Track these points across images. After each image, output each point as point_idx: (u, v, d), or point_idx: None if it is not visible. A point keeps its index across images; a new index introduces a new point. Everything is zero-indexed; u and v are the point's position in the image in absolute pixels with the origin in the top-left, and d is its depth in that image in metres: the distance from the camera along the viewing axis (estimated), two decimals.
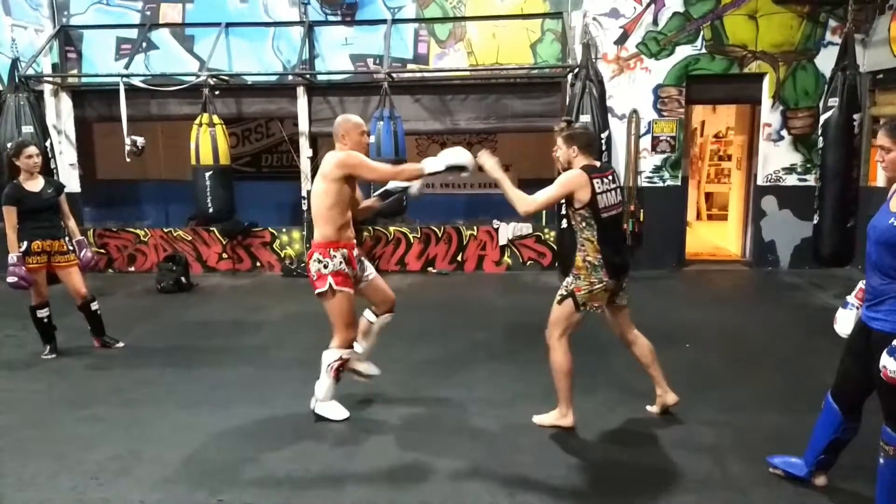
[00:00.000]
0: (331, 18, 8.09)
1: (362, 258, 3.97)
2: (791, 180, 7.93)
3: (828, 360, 4.80)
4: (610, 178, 3.47)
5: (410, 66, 8.09)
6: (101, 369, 4.90)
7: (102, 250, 8.41)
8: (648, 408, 3.85)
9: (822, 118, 6.58)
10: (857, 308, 2.81)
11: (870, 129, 7.52)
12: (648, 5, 7.77)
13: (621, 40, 7.86)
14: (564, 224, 7.24)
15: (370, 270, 4.00)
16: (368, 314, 4.12)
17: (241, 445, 3.63)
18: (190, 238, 8.45)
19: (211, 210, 7.49)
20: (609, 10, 7.82)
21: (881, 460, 2.64)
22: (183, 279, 7.51)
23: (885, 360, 2.44)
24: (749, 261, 8.31)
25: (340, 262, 3.71)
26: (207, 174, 7.37)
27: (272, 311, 6.53)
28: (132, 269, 8.51)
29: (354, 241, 3.88)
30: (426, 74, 8.11)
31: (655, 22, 7.80)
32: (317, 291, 3.77)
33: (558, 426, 3.65)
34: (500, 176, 3.41)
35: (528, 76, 8.07)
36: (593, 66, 7.37)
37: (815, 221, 6.72)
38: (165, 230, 8.55)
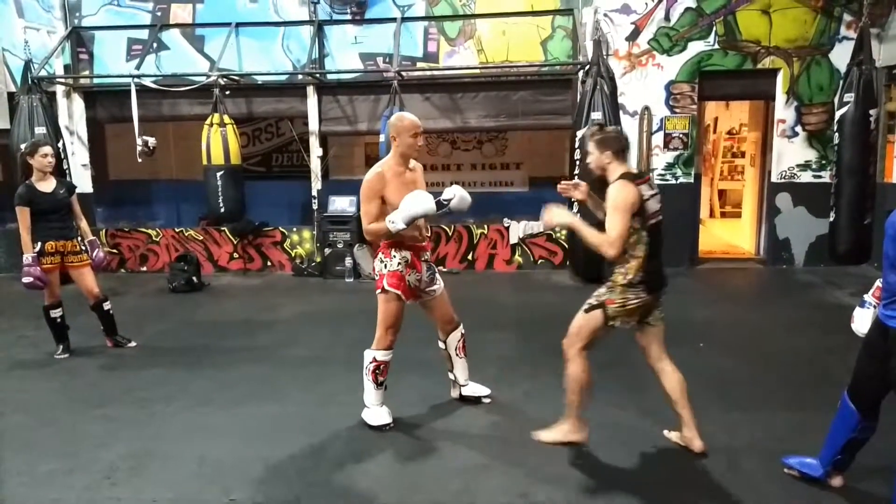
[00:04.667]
0: (340, 17, 8.09)
1: (434, 268, 3.87)
2: (806, 177, 7.84)
3: (843, 359, 4.76)
4: (649, 183, 3.26)
5: (420, 65, 8.08)
6: (114, 369, 4.92)
7: (115, 250, 8.45)
8: (666, 433, 3.56)
9: (838, 114, 6.50)
10: (875, 307, 2.75)
11: (886, 124, 7.42)
12: (660, 1, 7.71)
13: (633, 36, 7.81)
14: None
15: (438, 285, 3.88)
16: (439, 343, 4.05)
17: (252, 444, 3.63)
18: (201, 238, 8.48)
19: (222, 210, 7.52)
20: (620, 6, 7.76)
21: None
22: (194, 279, 7.54)
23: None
24: (763, 258, 8.23)
25: (399, 264, 3.66)
26: (218, 174, 7.40)
27: (283, 310, 6.54)
28: (144, 268, 8.55)
29: (424, 244, 3.77)
30: (436, 73, 8.09)
31: (667, 17, 7.73)
32: (377, 290, 3.74)
33: (569, 442, 3.43)
34: (577, 224, 3.23)
35: (538, 73, 8.03)
36: (604, 62, 7.31)
37: (830, 219, 6.64)
38: (177, 230, 8.59)
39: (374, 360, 3.74)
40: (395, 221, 3.46)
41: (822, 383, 4.33)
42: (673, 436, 3.51)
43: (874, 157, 6.56)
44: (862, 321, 2.81)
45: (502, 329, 5.65)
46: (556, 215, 3.28)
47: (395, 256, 3.67)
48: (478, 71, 8.04)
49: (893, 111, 7.45)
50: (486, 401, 4.08)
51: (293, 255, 8.42)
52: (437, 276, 3.91)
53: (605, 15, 7.76)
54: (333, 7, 8.06)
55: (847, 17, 7.52)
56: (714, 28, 7.68)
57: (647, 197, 3.17)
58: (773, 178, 7.95)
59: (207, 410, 4.09)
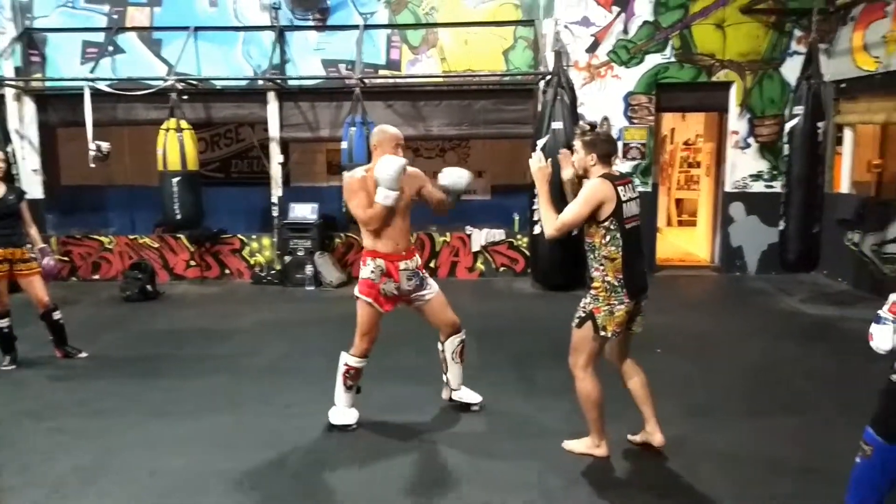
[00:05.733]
0: (302, 23, 8.04)
1: (422, 275, 3.86)
2: (758, 187, 8.08)
3: (794, 364, 4.92)
4: (630, 186, 3.25)
5: (383, 72, 8.07)
6: (64, 380, 4.77)
7: (66, 258, 8.20)
8: (630, 437, 3.59)
9: (788, 126, 6.71)
10: (893, 322, 2.59)
11: (833, 136, 7.70)
12: (619, 14, 7.87)
13: (592, 48, 7.94)
14: (537, 230, 7.27)
15: (429, 291, 3.86)
16: (438, 344, 4.04)
17: (208, 456, 3.55)
18: (157, 245, 8.29)
19: (178, 216, 7.36)
20: (580, 19, 7.90)
21: (857, 460, 2.56)
22: (149, 287, 7.36)
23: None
24: (718, 266, 8.43)
25: (372, 272, 3.68)
26: (175, 180, 7.24)
27: (242, 319, 6.43)
28: (96, 277, 8.31)
29: (403, 254, 3.76)
30: (399, 80, 8.09)
31: (626, 31, 7.90)
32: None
33: (592, 455, 3.42)
34: (542, 191, 3.26)
35: (500, 83, 8.10)
36: (565, 73, 7.44)
37: (781, 227, 6.84)
38: (131, 237, 8.38)
39: (346, 364, 3.77)
40: (386, 196, 3.53)
41: (777, 388, 4.46)
42: (637, 438, 3.55)
43: (822, 168, 6.79)
44: (883, 338, 2.61)
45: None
46: (535, 166, 3.33)
47: (369, 264, 3.70)
48: (440, 79, 8.08)
49: (841, 124, 7.74)
50: (475, 408, 4.07)
51: (252, 262, 8.29)
52: (429, 280, 3.90)
53: (566, 26, 7.89)
54: (295, 13, 8.00)
55: (797, 33, 7.79)
56: (670, 41, 7.87)
57: (626, 199, 3.17)
58: (727, 188, 8.17)
59: (162, 422, 3.99)
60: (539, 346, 5.35)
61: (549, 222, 3.18)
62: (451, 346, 3.98)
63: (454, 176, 3.85)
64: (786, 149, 6.80)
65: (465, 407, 4.08)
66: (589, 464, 3.40)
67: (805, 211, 6.58)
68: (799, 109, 6.51)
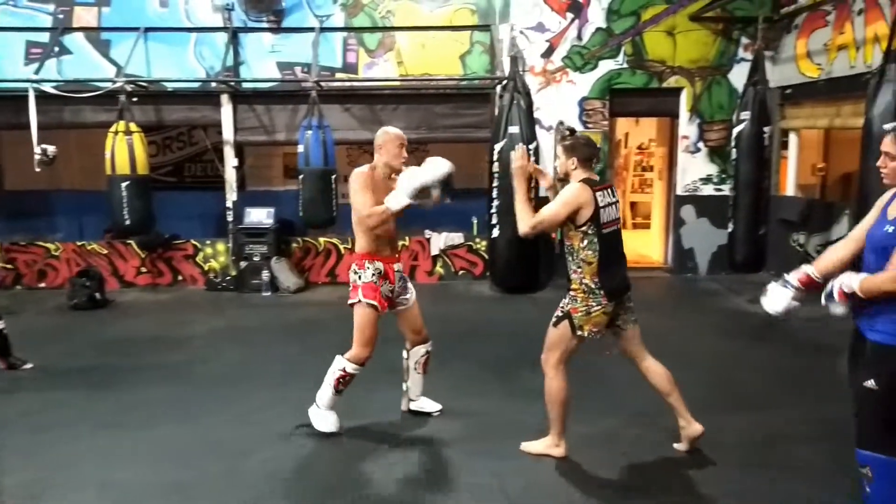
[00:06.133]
0: (256, 25, 7.93)
1: (406, 279, 3.91)
2: (708, 190, 8.30)
3: (740, 361, 5.07)
4: (609, 191, 3.30)
5: (339, 75, 8.02)
6: (7, 392, 4.58)
7: (10, 265, 7.92)
8: (676, 445, 3.53)
9: (735, 131, 6.92)
10: (795, 290, 2.62)
11: (779, 141, 7.97)
12: (573, 21, 8.00)
13: (547, 54, 8.05)
14: (496, 233, 7.33)
15: (410, 296, 3.89)
16: (404, 352, 4.03)
17: (161, 468, 3.46)
18: (106, 251, 8.05)
19: (128, 222, 7.16)
20: (535, 24, 7.99)
21: (867, 489, 2.45)
22: (98, 295, 7.14)
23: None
24: (670, 267, 8.63)
25: (373, 275, 3.66)
26: (124, 184, 7.05)
27: (196, 326, 6.29)
28: (43, 285, 8.02)
29: (396, 256, 3.84)
30: (356, 84, 8.05)
31: (580, 37, 8.02)
32: (349, 302, 3.71)
33: (549, 455, 3.46)
34: (520, 188, 3.29)
35: (457, 87, 8.13)
36: (521, 78, 7.51)
37: (729, 229, 7.04)
38: (79, 244, 8.12)
39: (344, 370, 3.70)
40: (398, 201, 3.46)
41: (726, 384, 4.59)
42: (681, 446, 3.51)
43: (768, 172, 7.02)
44: (778, 300, 2.65)
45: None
46: (518, 159, 3.36)
47: (368, 268, 3.67)
48: (398, 83, 8.07)
49: (786, 129, 8.01)
50: (436, 414, 4.06)
51: (206, 268, 8.13)
52: (409, 285, 3.93)
53: (521, 32, 7.97)
54: (249, 14, 7.89)
55: (744, 41, 8.03)
56: (623, 48, 8.03)
57: (604, 204, 3.22)
58: (679, 191, 8.38)
59: (111, 434, 3.88)
60: (500, 349, 5.38)
61: (525, 219, 3.21)
62: (416, 355, 3.98)
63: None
64: (734, 153, 7.01)
65: (426, 415, 4.07)
66: (548, 464, 3.43)
67: (752, 213, 6.80)
68: (746, 115, 6.72)
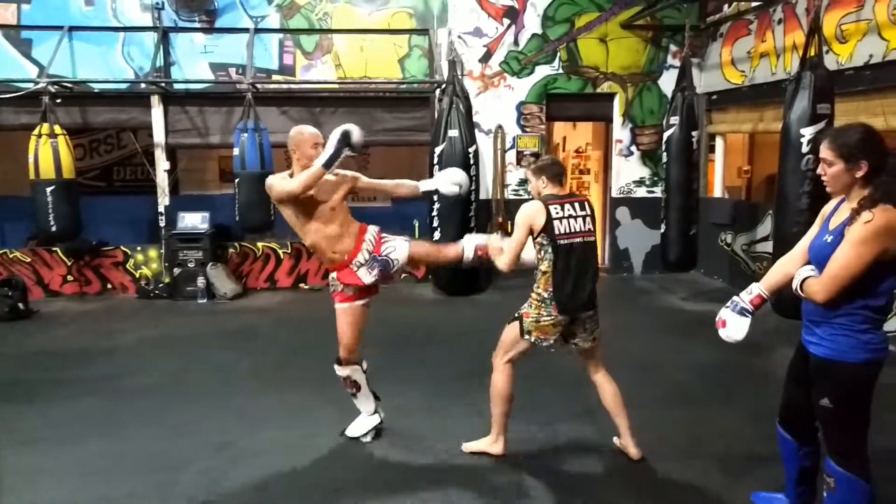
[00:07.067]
0: (187, 24, 7.71)
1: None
2: (641, 192, 8.56)
3: (674, 358, 5.24)
4: (574, 205, 3.31)
5: (276, 77, 7.89)
6: None
7: None
8: (615, 440, 3.61)
9: (665, 135, 7.16)
10: (752, 314, 2.56)
11: (707, 145, 8.29)
12: (509, 26, 8.11)
13: (485, 58, 8.14)
14: (437, 236, 7.34)
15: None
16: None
17: (87, 484, 3.32)
18: (29, 259, 7.66)
19: (53, 228, 6.86)
20: (473, 29, 8.07)
21: (825, 494, 2.50)
22: (21, 305, 6.79)
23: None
24: (607, 267, 8.83)
25: (359, 269, 3.53)
26: (48, 189, 6.75)
27: (126, 336, 6.06)
28: None
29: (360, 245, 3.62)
30: (293, 86, 7.93)
31: (516, 42, 8.14)
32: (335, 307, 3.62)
33: (487, 453, 3.49)
34: (495, 245, 3.47)
35: (396, 91, 8.12)
36: (459, 82, 7.56)
37: (662, 230, 7.28)
38: (0, 251, 7.70)
39: (342, 377, 3.68)
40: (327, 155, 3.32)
41: (658, 380, 4.74)
42: (619, 441, 3.60)
43: (697, 175, 7.28)
44: (739, 328, 2.55)
45: (365, 344, 5.59)
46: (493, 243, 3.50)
47: (351, 267, 3.53)
48: (336, 86, 7.99)
49: (713, 133, 8.35)
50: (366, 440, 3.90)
51: (138, 275, 7.84)
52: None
53: (459, 37, 8.03)
54: (179, 14, 7.67)
55: (673, 48, 8.32)
56: (558, 54, 8.19)
57: (559, 216, 3.25)
58: (613, 194, 8.60)
59: (34, 450, 3.69)
60: (443, 351, 5.39)
61: (503, 258, 3.34)
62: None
63: (449, 183, 3.83)
64: (664, 156, 7.25)
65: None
66: (485, 464, 3.45)
67: (683, 214, 7.03)
68: (675, 120, 6.96)
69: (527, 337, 3.33)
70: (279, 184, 3.45)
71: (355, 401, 3.76)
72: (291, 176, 3.51)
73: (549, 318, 3.28)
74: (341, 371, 3.68)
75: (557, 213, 3.26)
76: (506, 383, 3.40)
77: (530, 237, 3.29)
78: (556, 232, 3.24)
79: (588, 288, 3.35)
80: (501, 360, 3.42)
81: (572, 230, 3.28)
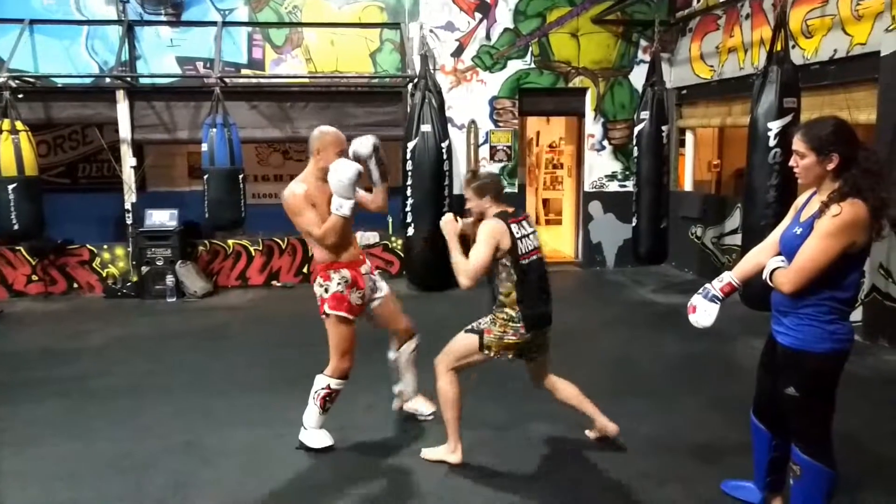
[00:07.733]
0: (153, 18, 7.56)
1: (373, 277, 3.70)
2: (613, 186, 8.62)
3: (645, 348, 5.29)
4: (525, 223, 3.31)
5: (245, 72, 7.77)
6: None
7: None
8: (587, 432, 3.65)
9: (636, 129, 7.22)
10: (721, 301, 2.61)
11: (677, 139, 8.38)
12: (481, 21, 8.10)
13: (457, 53, 8.12)
14: (411, 232, 7.31)
15: (382, 292, 3.71)
16: (389, 353, 3.86)
17: (52, 488, 3.24)
18: None
19: (16, 227, 6.68)
20: (445, 24, 8.04)
21: (791, 481, 2.54)
22: None
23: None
24: (580, 261, 8.90)
25: (339, 284, 3.46)
26: (11, 187, 6.57)
27: (92, 336, 5.93)
28: None
29: (361, 258, 3.61)
30: (262, 80, 7.82)
31: (488, 37, 8.14)
32: (322, 315, 3.51)
33: (446, 462, 3.41)
34: (453, 247, 3.23)
35: (368, 85, 8.06)
36: (432, 76, 7.52)
37: (633, 224, 7.34)
38: None
39: (328, 387, 3.52)
40: (341, 205, 3.31)
41: (630, 371, 4.78)
42: (592, 434, 3.63)
43: (667, 168, 7.35)
44: (708, 315, 2.60)
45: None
46: (444, 224, 3.32)
47: (333, 278, 3.47)
48: (307, 80, 7.91)
49: (683, 127, 8.44)
50: (430, 418, 3.91)
51: (105, 274, 7.68)
52: (381, 283, 3.75)
53: (431, 31, 8.00)
54: (145, 7, 7.51)
55: (643, 43, 8.39)
56: (530, 48, 8.20)
57: (520, 235, 3.22)
58: (586, 188, 8.65)
59: None
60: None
61: (463, 273, 3.17)
62: (406, 351, 3.84)
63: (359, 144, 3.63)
64: (636, 151, 7.31)
65: (414, 418, 3.95)
66: (445, 471, 3.38)
67: (653, 208, 7.10)
68: (645, 114, 7.02)
69: (486, 352, 3.27)
70: (303, 220, 3.40)
71: (320, 415, 3.61)
72: (307, 182, 3.44)
73: (514, 337, 3.23)
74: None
75: (517, 232, 3.23)
76: (451, 387, 3.33)
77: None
78: (520, 252, 3.22)
79: (550, 303, 3.39)
80: (446, 368, 3.35)
81: (529, 249, 3.27)
